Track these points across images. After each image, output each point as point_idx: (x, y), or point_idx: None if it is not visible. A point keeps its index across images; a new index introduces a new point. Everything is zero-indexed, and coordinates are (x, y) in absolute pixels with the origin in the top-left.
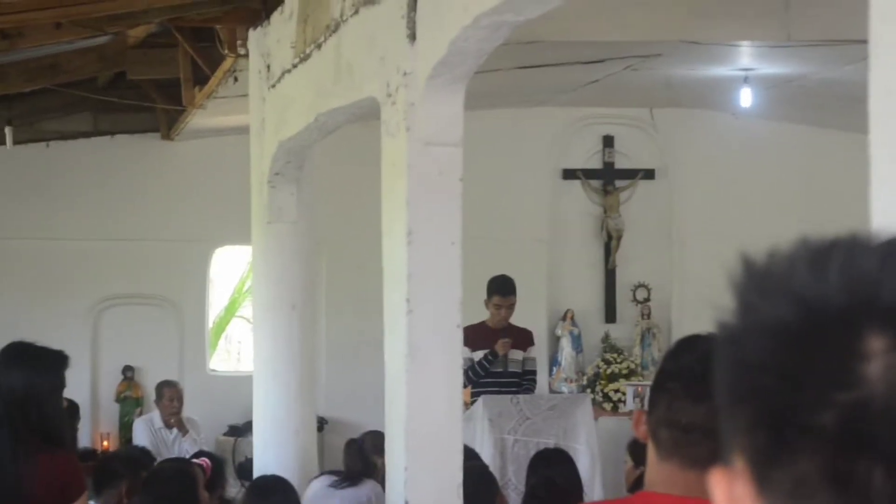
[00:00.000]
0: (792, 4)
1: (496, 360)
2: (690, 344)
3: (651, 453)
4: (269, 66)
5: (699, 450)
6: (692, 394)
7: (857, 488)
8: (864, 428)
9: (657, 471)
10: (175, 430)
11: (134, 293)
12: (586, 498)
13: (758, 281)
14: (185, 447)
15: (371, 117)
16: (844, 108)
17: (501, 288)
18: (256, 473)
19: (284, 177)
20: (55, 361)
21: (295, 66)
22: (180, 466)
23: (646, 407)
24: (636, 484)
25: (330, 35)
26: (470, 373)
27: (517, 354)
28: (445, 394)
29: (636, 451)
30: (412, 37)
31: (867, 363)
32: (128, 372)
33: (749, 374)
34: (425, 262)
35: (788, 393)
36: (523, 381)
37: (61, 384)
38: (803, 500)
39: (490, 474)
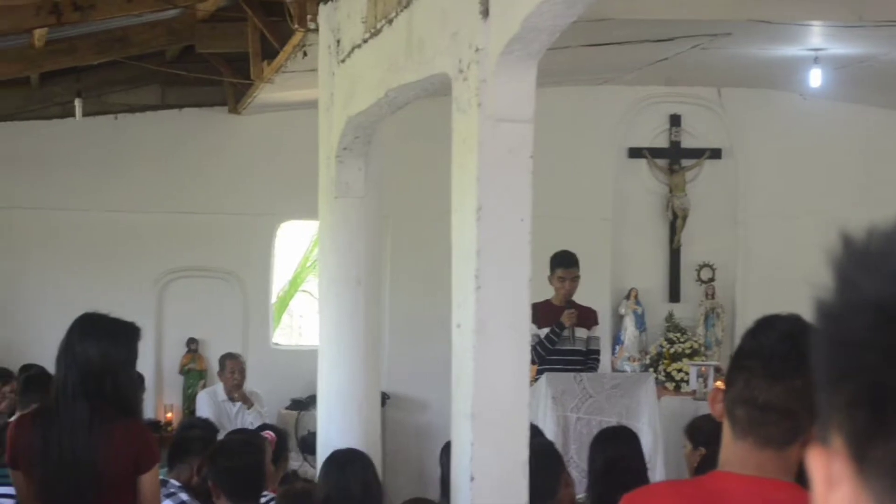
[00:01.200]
0: None
1: (562, 332)
2: (770, 323)
3: (726, 432)
4: (338, 41)
5: (775, 429)
6: (771, 373)
7: None
8: None
9: (732, 450)
10: (238, 403)
11: (199, 266)
12: (649, 478)
13: (858, 258)
14: (248, 419)
15: (439, 94)
16: None
17: (564, 260)
18: (320, 447)
19: (352, 152)
20: (129, 333)
21: (365, 41)
22: (248, 438)
23: (722, 384)
24: (701, 465)
25: (402, 10)
26: (538, 348)
27: (581, 333)
28: (513, 371)
29: (693, 433)
30: (485, 13)
31: None
32: (192, 344)
33: (849, 352)
34: (494, 239)
35: (889, 370)
36: (588, 360)
37: (135, 356)
38: None
39: (556, 452)
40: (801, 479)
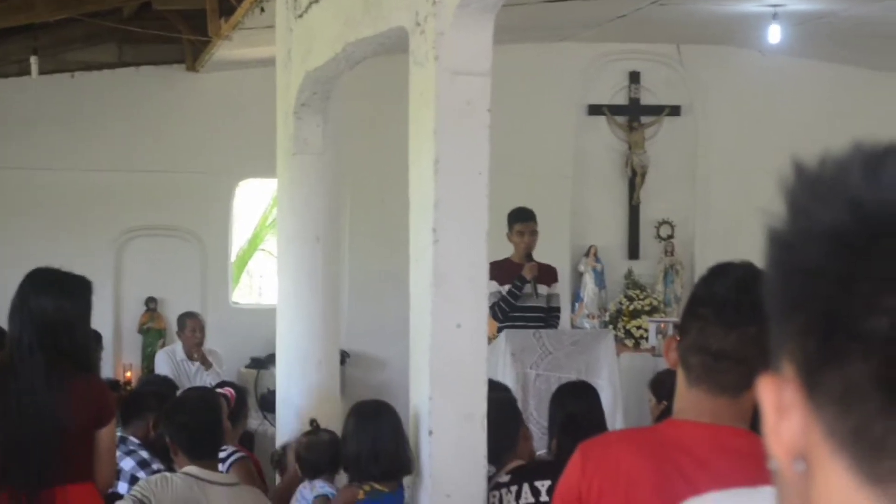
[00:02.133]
0: None
1: (524, 286)
2: (723, 271)
3: (680, 380)
4: None
5: (729, 377)
6: (724, 320)
7: None
8: None
9: (686, 398)
10: (197, 363)
11: (157, 225)
12: None
13: (811, 185)
14: (206, 379)
15: (397, 50)
16: (873, 46)
17: (522, 215)
18: (279, 405)
19: (310, 108)
20: (82, 286)
21: None
22: (204, 395)
23: (676, 333)
24: (660, 418)
25: None
26: (501, 303)
27: (543, 289)
28: (470, 324)
29: (657, 387)
30: None
31: None
32: (151, 303)
33: (801, 279)
34: (452, 192)
35: (841, 297)
36: (549, 317)
37: (89, 310)
38: (853, 406)
39: (515, 407)
40: (755, 426)
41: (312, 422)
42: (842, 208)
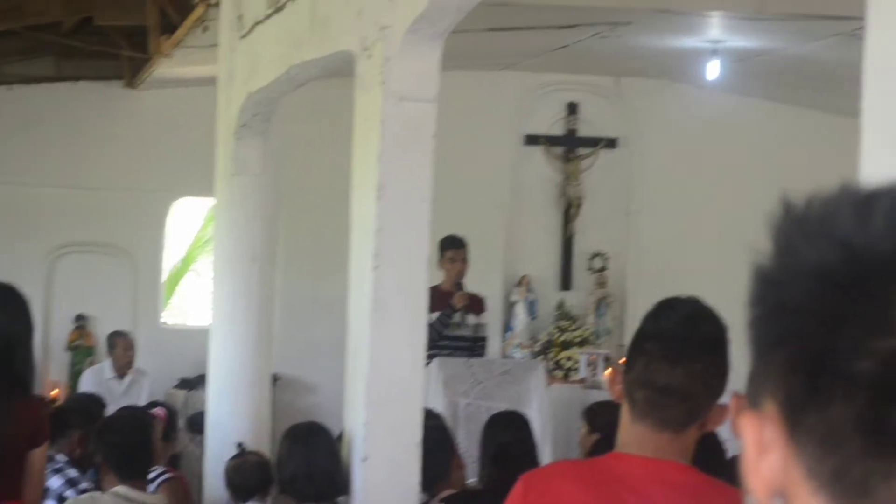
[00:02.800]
0: None
1: (453, 315)
2: (670, 306)
3: (625, 414)
4: (240, 17)
5: (674, 412)
6: (670, 355)
7: (891, 436)
8: None
9: (630, 431)
10: (125, 381)
11: (90, 241)
12: (539, 463)
13: (799, 224)
14: (133, 399)
15: (339, 74)
16: (810, 85)
17: (453, 242)
18: (209, 427)
19: (251, 129)
20: (26, 301)
21: (268, 16)
22: (136, 414)
23: (621, 365)
24: (594, 450)
25: None
26: (430, 331)
27: (471, 318)
28: (409, 351)
29: (591, 417)
30: None
31: None
32: (80, 321)
33: (786, 317)
34: (394, 218)
35: (827, 337)
36: (475, 346)
37: (33, 326)
38: (835, 447)
39: (448, 434)
40: (696, 461)
41: (239, 445)
42: (831, 248)
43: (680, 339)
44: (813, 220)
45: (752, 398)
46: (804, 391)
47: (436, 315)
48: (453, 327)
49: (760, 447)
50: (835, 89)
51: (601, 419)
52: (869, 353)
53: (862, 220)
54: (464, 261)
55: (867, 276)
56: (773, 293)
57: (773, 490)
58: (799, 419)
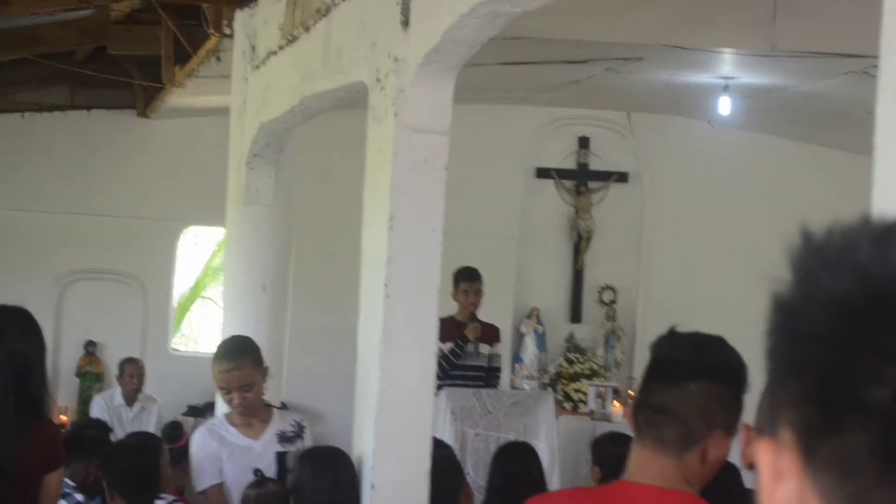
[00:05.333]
0: (778, 15)
1: (466, 345)
2: (671, 335)
3: (634, 441)
4: (254, 48)
5: (668, 431)
6: (666, 376)
7: None
8: None
9: (634, 458)
10: (135, 408)
11: (100, 268)
12: None
13: (819, 253)
14: (142, 426)
15: (352, 105)
16: (821, 122)
17: (468, 274)
18: None
19: (263, 159)
20: (38, 324)
21: (281, 48)
22: (144, 439)
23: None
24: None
25: (320, 18)
26: (442, 362)
27: (484, 349)
28: (418, 381)
29: (595, 449)
30: (405, 23)
31: None
32: (90, 347)
33: (804, 345)
34: (405, 249)
35: (844, 366)
36: (489, 377)
37: (46, 349)
38: (851, 475)
39: (457, 463)
40: (714, 492)
41: (257, 472)
42: (850, 278)
43: (676, 362)
44: (832, 249)
45: (768, 426)
46: (821, 419)
47: (449, 345)
48: (466, 356)
49: (776, 474)
50: (846, 127)
51: (604, 452)
52: (886, 382)
53: (881, 251)
54: (478, 293)
55: (885, 306)
56: (790, 322)
57: None
58: (815, 447)
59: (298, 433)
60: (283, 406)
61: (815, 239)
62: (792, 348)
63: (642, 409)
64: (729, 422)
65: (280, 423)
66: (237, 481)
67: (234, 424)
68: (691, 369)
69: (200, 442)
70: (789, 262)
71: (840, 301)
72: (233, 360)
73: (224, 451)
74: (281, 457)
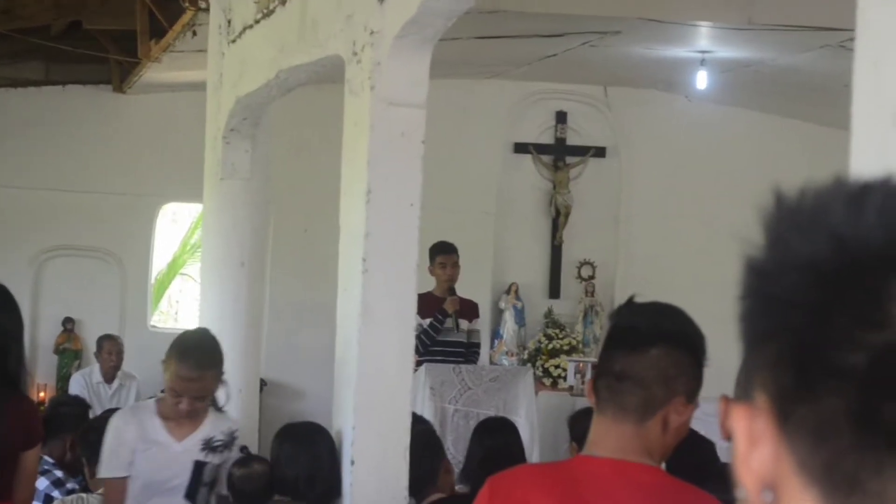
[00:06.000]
0: None
1: (445, 319)
2: (630, 303)
3: (594, 413)
4: (229, 21)
5: (631, 398)
6: (627, 343)
7: (882, 429)
8: (894, 370)
9: (595, 429)
10: (114, 385)
11: (78, 245)
12: None
13: (791, 216)
14: (121, 403)
15: (328, 80)
16: (798, 96)
17: (443, 247)
18: None
19: (240, 133)
20: (15, 300)
21: (257, 21)
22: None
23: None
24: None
25: None
26: (423, 336)
27: (464, 324)
28: (397, 356)
29: (572, 424)
30: None
31: None
32: (68, 324)
33: (777, 310)
34: (383, 222)
35: (818, 330)
36: (469, 353)
37: (23, 325)
38: (826, 439)
39: (437, 438)
40: (688, 466)
41: (243, 448)
42: (823, 241)
43: (635, 329)
44: (805, 212)
45: (743, 391)
46: (795, 383)
47: (427, 321)
48: (446, 332)
49: (751, 439)
50: (823, 100)
51: (580, 427)
52: (860, 347)
53: (854, 213)
54: (454, 265)
55: (858, 270)
56: (763, 285)
57: (764, 483)
58: (790, 411)
59: (227, 443)
60: (220, 409)
61: (787, 202)
62: (765, 312)
63: (603, 377)
64: (690, 389)
65: (211, 428)
66: (144, 478)
67: (161, 416)
68: (651, 335)
69: (119, 426)
70: (762, 226)
71: (813, 264)
72: (198, 370)
73: (140, 444)
74: (198, 466)
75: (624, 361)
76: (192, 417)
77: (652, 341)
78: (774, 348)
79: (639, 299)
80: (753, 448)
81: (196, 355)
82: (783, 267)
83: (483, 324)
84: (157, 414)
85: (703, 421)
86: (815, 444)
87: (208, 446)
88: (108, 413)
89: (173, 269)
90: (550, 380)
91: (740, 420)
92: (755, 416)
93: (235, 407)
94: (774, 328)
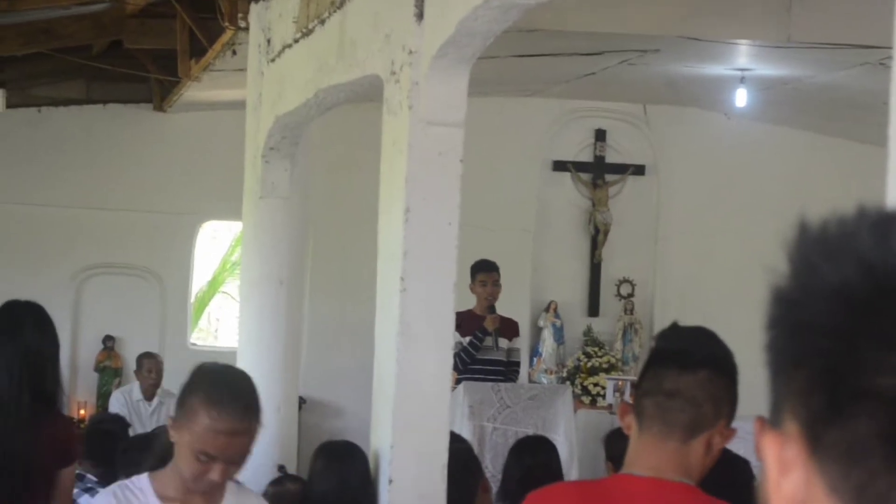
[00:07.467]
0: (794, 5)
1: (485, 337)
2: (676, 327)
3: (633, 433)
4: (269, 41)
5: (680, 416)
6: (678, 364)
7: None
8: None
9: (635, 447)
10: (153, 403)
11: (118, 263)
12: None
13: (817, 244)
14: (161, 421)
15: (367, 98)
16: (837, 113)
17: (485, 266)
18: None
19: (279, 152)
20: (51, 320)
21: (296, 40)
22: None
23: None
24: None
25: (334, 11)
26: (462, 354)
27: (503, 343)
28: (435, 374)
29: (608, 444)
30: (419, 15)
31: None
32: (108, 342)
33: (805, 337)
34: (421, 241)
35: (848, 355)
36: (509, 371)
37: (59, 345)
38: (857, 464)
39: (475, 458)
40: (725, 485)
41: (280, 468)
42: (850, 267)
43: (686, 352)
44: (831, 240)
45: (772, 418)
46: (825, 408)
47: (468, 338)
48: (486, 350)
49: (782, 466)
50: (862, 118)
51: (616, 446)
52: (889, 369)
53: (880, 239)
54: (495, 284)
55: (886, 295)
56: (791, 313)
57: None
58: (821, 436)
59: None
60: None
61: (812, 230)
62: (794, 340)
63: (651, 395)
64: (731, 414)
65: None
66: None
67: (161, 498)
68: (699, 357)
69: None
70: (787, 254)
71: (842, 291)
72: (243, 419)
73: None
74: None
75: (676, 380)
76: (210, 495)
77: (703, 363)
78: (804, 374)
79: (674, 323)
80: (784, 476)
81: (240, 399)
82: (811, 294)
83: (523, 341)
84: (154, 495)
85: (744, 440)
86: (847, 466)
87: None
88: (156, 430)
89: (213, 287)
90: (589, 398)
91: (771, 448)
92: (785, 443)
93: (274, 425)
94: (803, 355)
